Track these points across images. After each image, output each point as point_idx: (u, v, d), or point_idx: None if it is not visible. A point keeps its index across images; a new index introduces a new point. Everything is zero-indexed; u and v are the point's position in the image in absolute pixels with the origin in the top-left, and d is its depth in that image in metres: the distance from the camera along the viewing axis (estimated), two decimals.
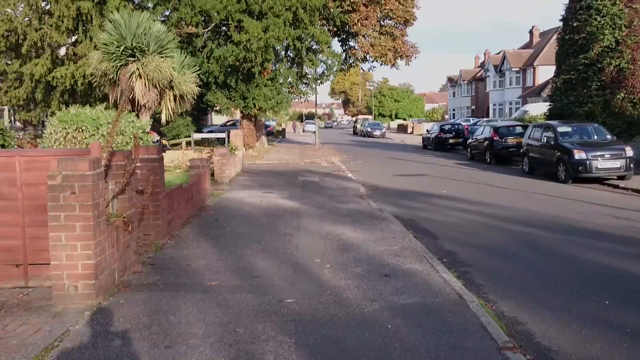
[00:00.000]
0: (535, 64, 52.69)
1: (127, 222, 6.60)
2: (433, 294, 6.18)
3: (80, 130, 17.73)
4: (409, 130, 64.79)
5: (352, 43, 32.17)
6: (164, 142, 22.09)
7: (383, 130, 57.80)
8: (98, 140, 17.59)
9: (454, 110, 79.73)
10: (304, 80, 32.03)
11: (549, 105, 27.34)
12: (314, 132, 46.12)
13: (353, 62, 32.38)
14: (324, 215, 11.17)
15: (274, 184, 16.31)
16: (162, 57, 18.04)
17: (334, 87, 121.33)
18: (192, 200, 10.59)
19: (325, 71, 29.35)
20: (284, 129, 58.14)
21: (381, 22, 30.15)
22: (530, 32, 59.44)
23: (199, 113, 34.61)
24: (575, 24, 24.43)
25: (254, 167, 22.97)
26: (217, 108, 28.98)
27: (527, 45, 59.88)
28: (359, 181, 18.32)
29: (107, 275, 5.99)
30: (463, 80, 72.78)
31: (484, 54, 75.43)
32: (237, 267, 7.22)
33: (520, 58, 56.16)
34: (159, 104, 19.39)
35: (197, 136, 28.56)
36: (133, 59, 17.90)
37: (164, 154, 19.94)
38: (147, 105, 18.54)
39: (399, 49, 30.15)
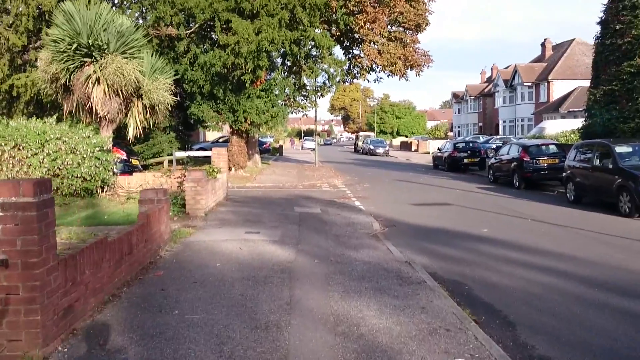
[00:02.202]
0: (549, 78, 49.37)
1: None
2: None
3: (20, 148, 14.22)
4: (413, 147, 61.33)
5: (356, 51, 28.72)
6: (134, 162, 18.49)
7: (387, 148, 54.36)
8: (42, 160, 14.09)
9: (459, 127, 76.44)
10: (303, 92, 28.53)
11: (584, 121, 23.78)
12: (313, 149, 42.61)
13: (358, 73, 28.90)
14: (330, 277, 7.55)
15: (263, 218, 12.69)
16: (125, 57, 14.53)
17: (334, 103, 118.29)
18: (131, 257, 6.97)
19: (327, 81, 25.85)
20: (281, 146, 54.64)
21: (390, 27, 26.70)
22: (543, 44, 56.22)
23: (185, 128, 31.07)
24: (617, 27, 20.91)
25: (243, 192, 19.33)
26: (206, 123, 25.40)
27: (539, 59, 56.66)
28: (369, 212, 14.72)
29: None
30: (469, 96, 69.49)
31: (491, 69, 72.40)
32: None
33: (532, 72, 52.89)
34: (125, 115, 15.90)
35: (181, 154, 25.03)
36: (89, 59, 14.45)
37: (131, 176, 16.42)
38: (108, 117, 15.01)
39: (409, 57, 26.68)
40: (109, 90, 14.47)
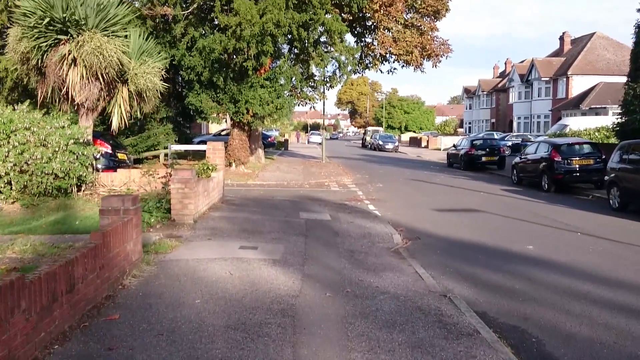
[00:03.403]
0: (569, 73, 47.09)
1: None
2: None
3: None
4: (423, 144, 59.15)
5: (368, 39, 26.59)
6: (121, 156, 16.46)
7: (396, 144, 52.18)
8: (6, 154, 12.09)
9: (470, 123, 74.20)
10: (310, 83, 26.42)
11: (619, 118, 21.70)
12: (320, 143, 40.56)
13: (370, 63, 26.77)
14: (348, 323, 5.54)
15: (262, 226, 10.66)
16: (107, 35, 12.51)
17: (341, 97, 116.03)
18: (72, 296, 4.98)
19: (337, 71, 23.74)
20: (286, 140, 52.49)
21: (407, 13, 24.53)
22: (561, 38, 53.86)
23: (184, 119, 29.07)
24: None
25: (242, 191, 17.33)
26: (205, 114, 23.32)
27: (556, 53, 54.33)
28: (386, 219, 12.69)
29: None
30: (482, 91, 67.15)
31: (505, 63, 70.09)
32: None
33: (550, 67, 50.58)
34: (109, 102, 13.91)
35: (177, 148, 23.01)
36: (65, 36, 12.44)
37: (114, 172, 14.41)
38: (87, 105, 13.02)
39: (427, 47, 24.54)
40: (87, 73, 12.46)
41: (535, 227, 11.93)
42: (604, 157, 18.86)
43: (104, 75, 12.61)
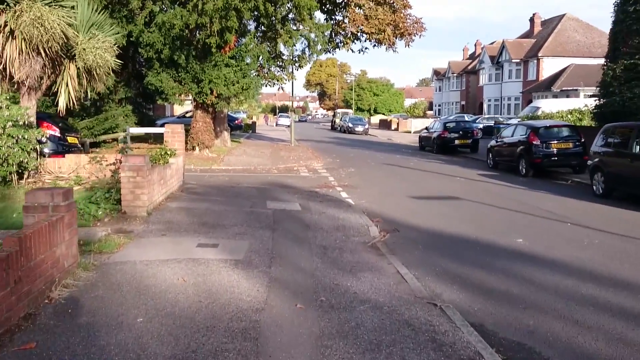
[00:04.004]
0: (539, 54, 46.67)
1: None
2: None
3: None
4: (393, 126, 58.42)
5: (339, 17, 25.40)
6: (72, 140, 15.08)
7: (366, 126, 51.31)
8: None
9: (439, 106, 73.74)
10: (278, 62, 25.18)
11: (597, 100, 21.05)
12: (289, 126, 39.41)
13: (340, 42, 25.62)
14: (324, 347, 4.53)
15: (225, 218, 9.56)
16: (49, 4, 11.16)
17: (310, 79, 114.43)
18: None
19: (307, 49, 22.55)
20: (254, 123, 51.01)
21: None
22: (531, 19, 53.40)
23: (145, 100, 27.55)
24: None
25: (205, 178, 16.16)
26: (166, 95, 21.89)
27: (526, 35, 53.91)
28: (361, 209, 11.72)
29: None
30: (452, 73, 66.58)
31: (475, 45, 69.62)
32: None
33: (520, 48, 50.15)
34: (55, 81, 12.57)
35: (136, 131, 21.67)
36: (1, 5, 11.02)
37: (62, 158, 13.08)
38: (28, 83, 11.68)
39: (400, 25, 23.50)
40: (27, 47, 11.09)
41: (521, 217, 11.09)
42: (583, 140, 18.23)
43: (47, 49, 11.25)
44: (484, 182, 16.75)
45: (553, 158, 18.14)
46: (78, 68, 12.44)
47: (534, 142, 18.19)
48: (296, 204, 11.54)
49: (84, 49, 12.13)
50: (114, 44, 12.91)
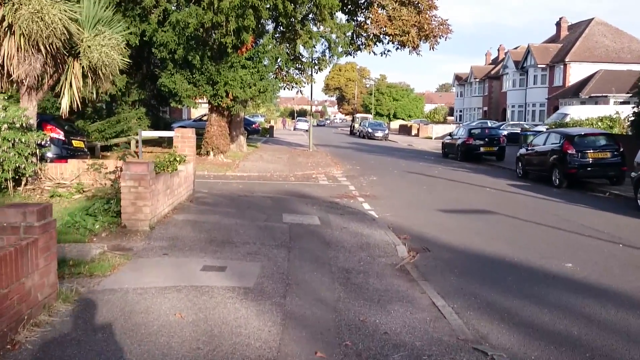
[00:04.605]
0: (566, 60, 45.22)
1: None
2: None
3: None
4: (414, 132, 57.18)
5: (361, 18, 24.38)
6: (77, 143, 14.23)
7: (386, 132, 50.16)
8: None
9: (460, 111, 72.32)
10: (297, 65, 24.25)
11: (634, 107, 19.81)
12: (307, 130, 38.49)
13: (362, 44, 24.60)
14: None
15: (236, 234, 8.58)
16: None
17: (329, 83, 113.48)
18: None
19: (327, 51, 21.56)
20: (272, 127, 50.11)
21: None
22: (558, 24, 51.93)
23: (159, 103, 26.77)
24: None
25: (219, 185, 15.25)
26: (180, 97, 20.99)
27: (552, 40, 52.44)
28: (387, 223, 10.67)
29: None
30: (474, 78, 65.16)
31: (498, 50, 68.18)
32: None
33: (547, 53, 48.71)
34: (58, 80, 11.73)
35: (148, 134, 20.83)
36: None
37: (65, 163, 12.14)
38: (28, 82, 10.84)
39: (425, 26, 22.43)
40: (25, 43, 10.24)
41: (564, 235, 9.98)
42: (621, 149, 17.03)
43: (47, 46, 10.39)
44: (516, 194, 15.61)
45: (589, 168, 16.95)
46: (83, 67, 11.60)
47: (569, 151, 17.01)
48: (315, 217, 10.53)
49: (89, 47, 11.24)
50: (122, 42, 12.03)
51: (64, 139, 13.52)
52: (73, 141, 13.94)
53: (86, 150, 14.66)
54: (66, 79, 11.56)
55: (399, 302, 6.11)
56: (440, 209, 12.51)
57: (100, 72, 11.67)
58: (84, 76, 11.75)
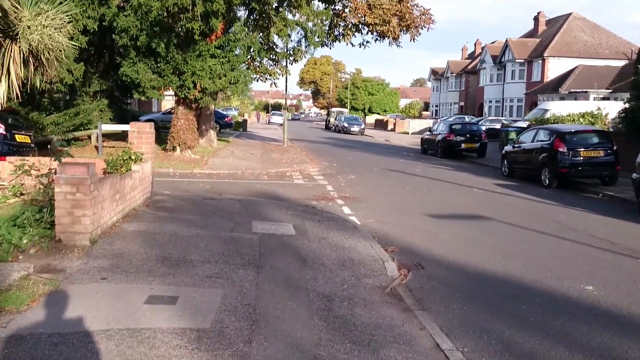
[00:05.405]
0: (545, 55, 44.52)
1: None
2: None
3: None
4: (390, 126, 56.10)
5: (339, 6, 23.04)
6: (21, 138, 12.64)
7: (362, 127, 49.01)
8: None
9: (436, 106, 71.55)
10: (271, 55, 22.83)
11: (626, 102, 18.90)
12: (281, 124, 37.11)
13: (340, 34, 23.28)
14: None
15: (195, 249, 7.22)
16: None
17: (304, 77, 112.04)
18: None
19: (303, 40, 20.21)
20: (245, 121, 48.38)
21: None
22: (536, 18, 51.21)
23: (123, 94, 25.10)
24: None
25: (183, 185, 13.83)
26: (143, 88, 19.37)
27: (530, 34, 51.74)
28: (371, 232, 9.40)
29: None
30: (451, 73, 64.32)
31: (474, 44, 67.54)
32: None
33: (525, 48, 47.97)
34: None
35: (109, 128, 19.31)
36: None
37: (3, 161, 10.48)
38: None
39: (406, 16, 21.21)
40: None
41: (573, 248, 8.83)
42: (615, 148, 16.06)
43: None
44: (505, 195, 14.50)
45: (581, 168, 15.93)
46: (23, 52, 10.06)
47: (560, 149, 15.95)
48: (289, 226, 9.19)
49: (29, 27, 9.71)
50: (69, 23, 10.49)
51: (4, 132, 11.94)
52: (17, 135, 12.36)
53: (32, 145, 13.07)
54: (2, 64, 10.02)
55: (394, 343, 4.88)
56: (428, 214, 11.28)
57: (42, 56, 10.15)
58: (25, 62, 10.24)
